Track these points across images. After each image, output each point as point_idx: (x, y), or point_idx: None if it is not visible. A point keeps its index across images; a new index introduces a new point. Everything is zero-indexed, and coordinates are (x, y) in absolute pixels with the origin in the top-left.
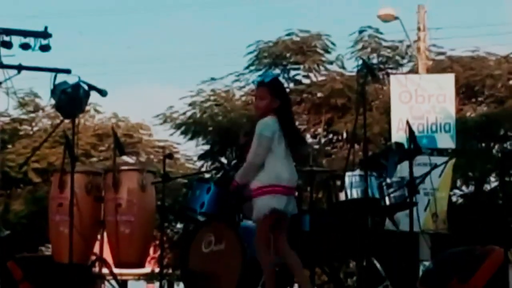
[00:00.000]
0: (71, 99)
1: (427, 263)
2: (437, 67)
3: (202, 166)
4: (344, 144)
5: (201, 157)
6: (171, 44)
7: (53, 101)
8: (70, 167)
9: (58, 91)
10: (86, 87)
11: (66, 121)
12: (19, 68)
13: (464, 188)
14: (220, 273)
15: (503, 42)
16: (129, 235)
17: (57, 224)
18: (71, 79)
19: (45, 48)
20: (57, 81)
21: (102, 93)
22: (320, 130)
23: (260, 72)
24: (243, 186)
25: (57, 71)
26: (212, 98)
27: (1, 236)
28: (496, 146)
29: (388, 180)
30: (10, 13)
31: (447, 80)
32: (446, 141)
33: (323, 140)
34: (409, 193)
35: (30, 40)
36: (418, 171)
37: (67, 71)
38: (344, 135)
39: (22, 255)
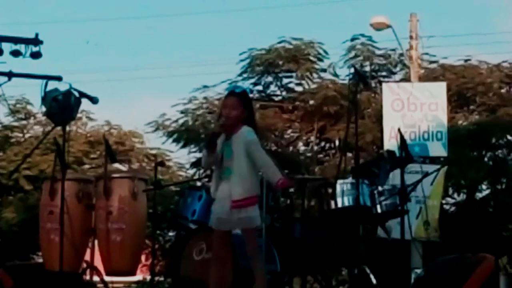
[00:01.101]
0: (62, 106)
1: (418, 271)
2: (429, 76)
3: (194, 174)
4: (337, 152)
5: (193, 164)
6: (164, 52)
7: (44, 109)
8: (61, 174)
9: (49, 98)
10: (77, 94)
11: (58, 128)
12: (10, 75)
13: (455, 196)
14: None
15: (495, 50)
16: (120, 242)
17: (48, 232)
18: (62, 87)
19: (36, 55)
20: (48, 88)
21: (93, 100)
22: (312, 138)
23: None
24: None
25: (48, 78)
26: (204, 105)
27: None
28: (488, 155)
29: (380, 188)
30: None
31: (439, 89)
32: (438, 149)
33: (315, 148)
34: (400, 201)
35: (21, 47)
36: (410, 179)
37: (58, 78)
38: (337, 143)
39: (12, 263)
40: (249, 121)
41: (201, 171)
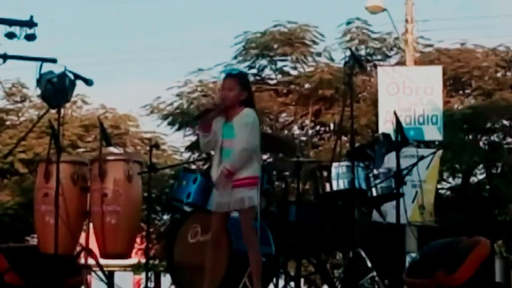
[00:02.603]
0: (57, 88)
1: (413, 255)
2: (424, 59)
3: (189, 157)
4: (332, 135)
5: (188, 148)
6: (158, 35)
7: (38, 91)
8: (56, 157)
9: (43, 81)
10: (72, 77)
11: (52, 111)
12: (4, 57)
13: (451, 180)
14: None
15: (491, 34)
16: (115, 225)
17: (42, 214)
18: (57, 69)
19: (30, 38)
20: (43, 71)
21: (88, 82)
22: (307, 121)
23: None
24: None
25: (42, 60)
26: (199, 89)
27: None
28: (483, 139)
29: (375, 171)
30: None
31: (435, 72)
32: (433, 133)
33: (310, 132)
34: (396, 184)
35: (16, 29)
36: (405, 163)
37: (53, 61)
38: (332, 126)
39: (7, 246)
40: (249, 102)
41: (196, 154)
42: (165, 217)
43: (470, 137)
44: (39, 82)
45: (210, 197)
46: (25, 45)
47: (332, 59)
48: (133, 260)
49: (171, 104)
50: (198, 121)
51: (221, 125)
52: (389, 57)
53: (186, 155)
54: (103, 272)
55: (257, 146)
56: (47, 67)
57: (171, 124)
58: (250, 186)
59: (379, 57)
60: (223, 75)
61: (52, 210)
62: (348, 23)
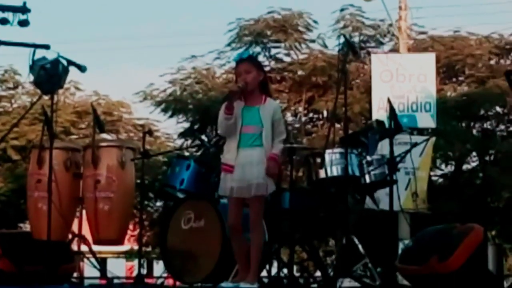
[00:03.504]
0: (50, 75)
1: (406, 242)
2: (418, 47)
3: (182, 144)
4: (325, 123)
5: (181, 135)
6: (152, 22)
7: (31, 77)
8: (49, 143)
9: (37, 67)
10: (65, 63)
11: (45, 97)
12: None
13: (443, 167)
14: (200, 249)
15: (485, 21)
16: (108, 211)
17: (35, 201)
18: (50, 55)
19: (23, 23)
20: (36, 57)
21: (81, 68)
22: (300, 108)
23: (237, 52)
24: None
25: (36, 46)
26: (192, 75)
27: None
28: (476, 126)
29: (369, 158)
30: None
31: (428, 60)
32: (426, 121)
33: (303, 119)
34: (389, 170)
35: (8, 15)
36: (398, 150)
37: (46, 47)
38: (325, 113)
39: (0, 232)
40: (265, 85)
41: (189, 141)
42: (158, 203)
43: (463, 124)
44: (32, 68)
45: (221, 182)
46: (18, 31)
47: (325, 46)
48: (126, 246)
49: (164, 90)
50: (225, 103)
51: (240, 109)
52: (383, 44)
53: (180, 141)
54: (96, 258)
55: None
56: (40, 53)
57: (164, 111)
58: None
59: (372, 44)
60: (234, 64)
61: (45, 197)
62: (342, 10)
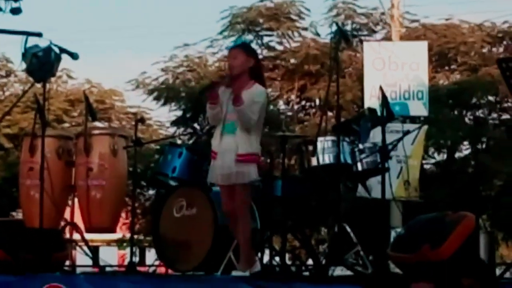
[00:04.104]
0: (42, 62)
1: (398, 230)
2: (410, 35)
3: (174, 132)
4: (317, 111)
5: (173, 123)
6: (145, 10)
7: (24, 65)
8: (41, 131)
9: (29, 55)
10: (57, 51)
11: (38, 85)
12: None
13: (436, 156)
14: (192, 237)
15: (477, 10)
16: (100, 199)
17: (27, 189)
18: (42, 43)
19: (16, 11)
20: (28, 45)
21: (73, 56)
22: (293, 96)
23: (230, 40)
24: None
25: (28, 34)
26: (185, 63)
27: None
28: (469, 114)
29: (361, 146)
30: None
31: (420, 48)
32: (418, 109)
33: (296, 107)
34: (381, 158)
35: (1, 3)
36: (390, 138)
37: (38, 35)
38: (317, 102)
39: None
40: (257, 73)
41: (181, 129)
42: (151, 192)
43: (456, 112)
44: (24, 56)
45: (210, 169)
46: (10, 19)
47: (318, 34)
48: (118, 235)
49: (157, 79)
50: (205, 94)
51: (228, 97)
52: (375, 32)
53: (172, 129)
54: (88, 246)
55: (256, 124)
56: (32, 41)
57: (156, 99)
58: (253, 163)
59: (365, 32)
60: (226, 52)
61: (37, 185)
62: None
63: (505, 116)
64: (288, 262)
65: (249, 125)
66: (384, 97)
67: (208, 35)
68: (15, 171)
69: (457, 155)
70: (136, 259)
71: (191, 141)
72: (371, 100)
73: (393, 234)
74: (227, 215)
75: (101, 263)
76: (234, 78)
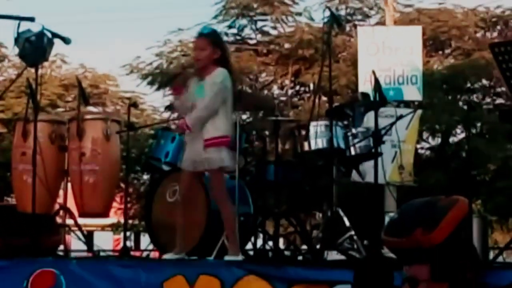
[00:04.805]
0: (35, 47)
1: (392, 214)
2: (404, 19)
3: (168, 117)
4: (311, 95)
5: (167, 107)
6: None
7: (16, 50)
8: (34, 115)
9: (21, 40)
10: (50, 35)
11: (31, 70)
12: None
13: (430, 140)
14: (185, 222)
15: None
16: (93, 184)
17: (20, 173)
18: (35, 27)
19: None
20: (21, 29)
21: (66, 40)
22: (287, 81)
23: (223, 25)
24: None
25: (20, 19)
26: (179, 48)
27: None
28: (462, 99)
29: (354, 130)
30: None
31: (414, 32)
32: (413, 93)
33: (290, 92)
34: (374, 143)
35: None
36: (384, 123)
37: (31, 19)
38: (311, 86)
39: None
40: (222, 61)
41: (175, 114)
42: (145, 177)
43: (450, 97)
44: (17, 41)
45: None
46: (2, 4)
47: (312, 19)
48: (112, 219)
49: (151, 63)
50: (170, 86)
51: (194, 86)
52: (369, 17)
53: (166, 114)
54: (82, 231)
55: (219, 106)
56: (25, 26)
57: (150, 83)
58: (219, 146)
59: (359, 17)
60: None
61: (30, 169)
62: None
63: (499, 101)
64: (282, 246)
65: (212, 112)
66: (376, 82)
67: (202, 20)
68: (9, 156)
69: (451, 139)
70: (131, 244)
71: None
72: (365, 85)
73: (387, 218)
74: (185, 200)
75: (96, 248)
76: (200, 69)
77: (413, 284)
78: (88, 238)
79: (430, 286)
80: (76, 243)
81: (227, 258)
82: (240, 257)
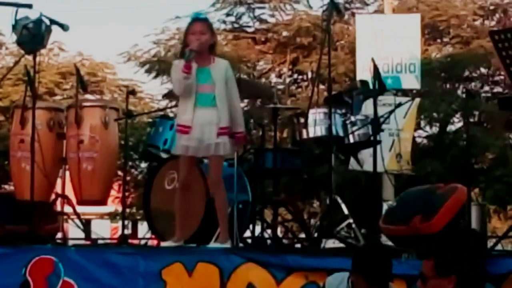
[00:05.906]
0: (33, 34)
1: (390, 203)
2: (402, 7)
3: (166, 105)
4: (309, 84)
5: (165, 95)
6: None
7: (14, 37)
8: (32, 103)
9: (19, 27)
10: (47, 22)
11: (29, 58)
12: None
13: (428, 129)
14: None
15: None
16: (91, 171)
17: (18, 161)
18: (32, 14)
19: None
20: (19, 16)
21: (64, 27)
22: (285, 69)
23: (220, 13)
24: None
25: (18, 6)
26: (176, 36)
27: None
28: (461, 87)
29: (352, 118)
30: None
31: (413, 20)
32: (411, 82)
33: (288, 80)
34: (373, 131)
35: None
36: (383, 111)
37: (29, 6)
38: (309, 75)
39: None
40: (213, 48)
41: (173, 102)
42: (143, 165)
43: (448, 85)
44: (14, 28)
45: (176, 141)
46: None
47: (310, 7)
48: (110, 207)
49: (149, 51)
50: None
51: (194, 69)
52: (368, 5)
53: (164, 102)
54: (80, 219)
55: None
56: (22, 12)
57: (148, 71)
58: (225, 135)
59: (357, 5)
60: (189, 20)
61: (28, 157)
62: None
63: (497, 89)
64: (280, 234)
65: (239, 109)
66: (376, 69)
67: (200, 8)
68: (7, 144)
69: (449, 128)
70: (128, 232)
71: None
72: (364, 73)
73: (385, 207)
74: (184, 186)
75: (94, 236)
76: (199, 55)
77: (423, 280)
78: (86, 226)
79: (438, 282)
80: (74, 231)
81: (212, 245)
82: (228, 244)
